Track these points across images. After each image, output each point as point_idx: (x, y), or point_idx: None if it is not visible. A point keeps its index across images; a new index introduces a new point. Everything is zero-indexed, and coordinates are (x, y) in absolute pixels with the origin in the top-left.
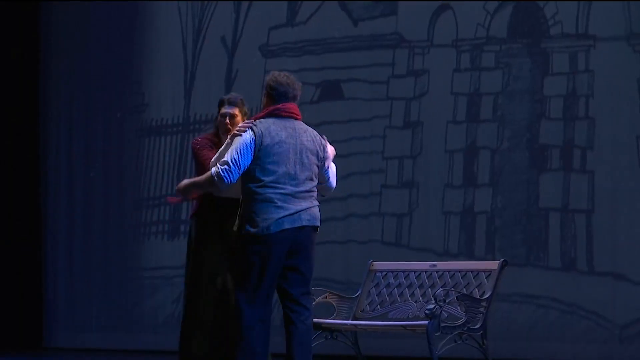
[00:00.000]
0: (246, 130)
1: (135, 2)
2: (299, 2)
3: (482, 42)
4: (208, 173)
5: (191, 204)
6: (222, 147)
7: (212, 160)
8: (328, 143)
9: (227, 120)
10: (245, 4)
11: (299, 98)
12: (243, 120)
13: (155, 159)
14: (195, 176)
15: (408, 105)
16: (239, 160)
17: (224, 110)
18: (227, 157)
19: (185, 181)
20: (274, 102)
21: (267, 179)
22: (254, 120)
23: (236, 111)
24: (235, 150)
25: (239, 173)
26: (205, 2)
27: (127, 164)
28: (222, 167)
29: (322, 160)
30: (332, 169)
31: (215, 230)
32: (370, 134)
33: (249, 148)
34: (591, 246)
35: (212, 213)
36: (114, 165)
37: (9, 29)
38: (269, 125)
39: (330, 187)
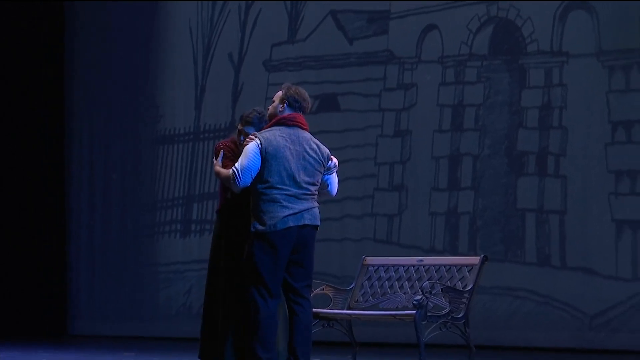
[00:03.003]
0: (253, 140)
1: (150, 23)
2: (299, 21)
3: (465, 58)
4: (229, 170)
5: (217, 199)
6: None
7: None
8: (333, 157)
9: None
10: (250, 24)
11: (306, 112)
12: (242, 129)
13: (169, 165)
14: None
15: (398, 116)
16: (248, 166)
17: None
18: (239, 164)
19: (218, 167)
20: (286, 109)
21: (273, 180)
22: (262, 130)
23: (239, 127)
24: (245, 157)
25: (250, 177)
26: (214, 21)
27: (143, 169)
28: (235, 172)
29: (324, 168)
30: (334, 179)
31: (233, 228)
32: (363, 142)
33: (257, 154)
34: (564, 244)
35: (232, 212)
36: (131, 170)
37: (36, 47)
38: (275, 132)
39: (330, 193)
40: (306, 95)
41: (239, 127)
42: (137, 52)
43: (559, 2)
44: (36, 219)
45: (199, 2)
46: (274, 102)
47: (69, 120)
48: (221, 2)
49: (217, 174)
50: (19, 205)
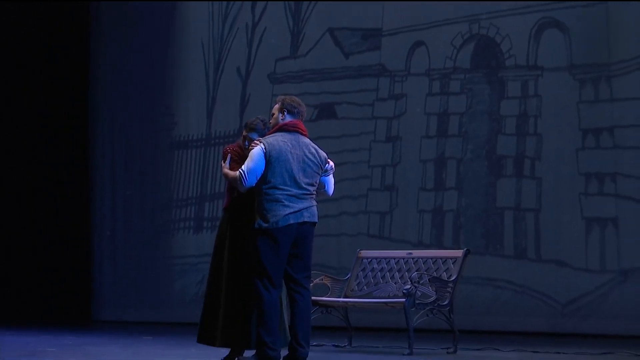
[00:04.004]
0: (258, 144)
1: (166, 40)
2: (300, 38)
3: (449, 71)
4: (236, 172)
5: (224, 199)
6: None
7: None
8: (330, 161)
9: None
10: (256, 41)
11: (304, 117)
12: (247, 135)
13: (183, 167)
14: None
15: (389, 123)
16: (253, 168)
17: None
18: (245, 166)
19: (226, 169)
20: (286, 116)
21: (275, 181)
22: (266, 136)
23: (244, 133)
24: (250, 160)
25: (255, 178)
26: (224, 39)
27: (160, 172)
28: (241, 173)
29: (322, 170)
30: (331, 180)
31: (239, 226)
32: (358, 147)
33: (262, 158)
34: (539, 239)
35: (239, 210)
36: (149, 172)
37: (61, 60)
38: (277, 138)
39: (327, 193)
40: (300, 101)
41: (244, 133)
42: (154, 66)
43: (535, 21)
44: (64, 216)
45: (210, 21)
46: (273, 114)
47: (93, 126)
48: (230, 22)
49: (225, 175)
50: (48, 203)
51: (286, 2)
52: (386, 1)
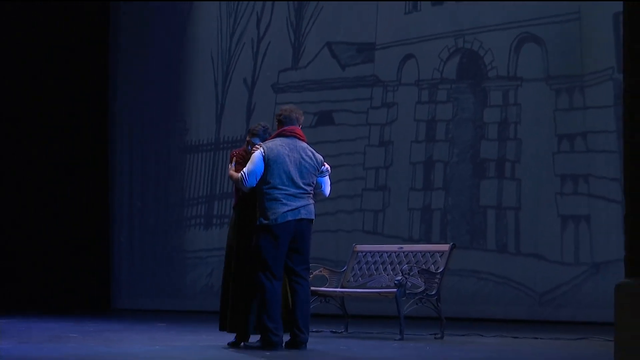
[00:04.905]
0: (259, 149)
1: (179, 52)
2: (301, 52)
3: (437, 82)
4: (239, 174)
5: (233, 198)
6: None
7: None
8: (326, 163)
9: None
10: (261, 54)
11: (302, 121)
12: (250, 139)
13: (194, 169)
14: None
15: (382, 129)
16: (253, 170)
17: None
18: (246, 168)
19: (231, 171)
20: (283, 125)
21: (274, 182)
22: (266, 141)
23: (248, 138)
24: (251, 163)
25: (255, 179)
26: (232, 52)
27: (173, 173)
28: (243, 175)
29: (318, 172)
30: (327, 181)
31: (247, 223)
32: (354, 151)
33: (261, 160)
34: (518, 234)
35: (246, 208)
36: (163, 173)
37: (83, 70)
38: (276, 142)
39: (324, 193)
40: (291, 107)
41: (248, 138)
42: (168, 77)
43: (515, 36)
44: (86, 213)
45: (219, 35)
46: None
47: (113, 131)
48: (237, 37)
49: (230, 177)
50: (70, 200)
51: (288, 18)
52: (379, 15)
